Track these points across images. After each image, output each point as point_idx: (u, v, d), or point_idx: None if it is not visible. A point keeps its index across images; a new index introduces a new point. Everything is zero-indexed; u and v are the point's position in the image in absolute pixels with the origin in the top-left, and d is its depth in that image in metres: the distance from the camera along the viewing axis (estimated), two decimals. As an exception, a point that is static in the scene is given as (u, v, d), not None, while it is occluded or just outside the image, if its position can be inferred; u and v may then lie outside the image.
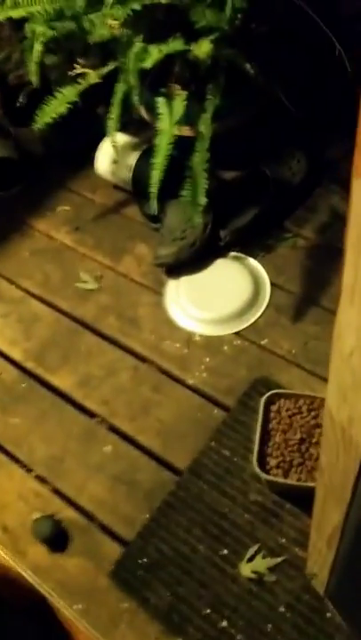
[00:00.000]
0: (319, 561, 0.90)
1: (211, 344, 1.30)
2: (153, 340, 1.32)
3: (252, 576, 1.00)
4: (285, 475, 1.04)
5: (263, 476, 1.03)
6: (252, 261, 1.41)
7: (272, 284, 1.37)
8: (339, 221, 1.45)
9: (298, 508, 1.06)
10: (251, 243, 1.43)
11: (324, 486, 0.72)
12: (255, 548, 1.03)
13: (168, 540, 1.06)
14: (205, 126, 1.29)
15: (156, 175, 1.23)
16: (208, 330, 1.32)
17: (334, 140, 1.58)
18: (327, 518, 0.75)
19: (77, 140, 1.61)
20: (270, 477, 1.03)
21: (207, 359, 1.28)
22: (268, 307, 1.34)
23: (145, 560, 1.04)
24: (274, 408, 1.10)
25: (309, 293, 1.34)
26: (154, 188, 1.24)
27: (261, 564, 1.01)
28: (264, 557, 1.02)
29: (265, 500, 1.08)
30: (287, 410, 1.10)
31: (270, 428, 1.09)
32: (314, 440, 1.06)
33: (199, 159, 1.29)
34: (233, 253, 1.43)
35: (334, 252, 1.39)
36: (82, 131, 1.56)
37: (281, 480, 1.03)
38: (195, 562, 1.03)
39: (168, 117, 1.23)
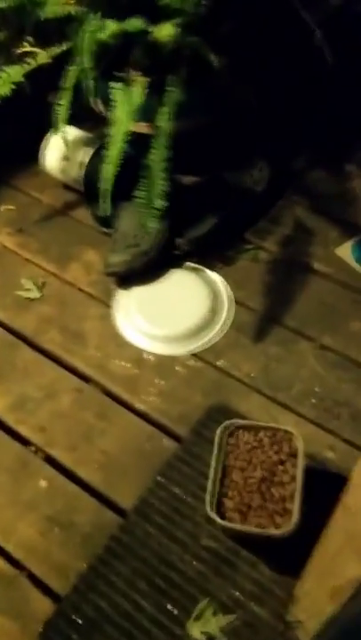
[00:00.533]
0: (311, 610, 0.78)
1: (163, 364, 1.17)
2: (99, 358, 1.19)
3: (202, 638, 0.87)
4: (243, 519, 0.92)
5: (218, 520, 0.91)
6: (210, 274, 1.30)
7: (232, 300, 1.25)
8: (302, 234, 1.34)
9: (255, 556, 0.94)
10: (209, 253, 1.32)
11: (344, 531, 0.60)
12: (205, 602, 0.91)
13: (108, 595, 0.92)
14: (165, 121, 1.16)
15: (109, 170, 1.09)
16: (161, 348, 1.19)
17: (300, 150, 1.48)
18: (338, 568, 0.63)
19: (26, 133, 1.46)
20: (226, 523, 0.91)
21: (158, 381, 1.15)
22: (226, 324, 1.22)
23: (79, 620, 0.90)
24: (231, 441, 0.98)
25: (271, 311, 1.23)
26: (106, 185, 1.10)
27: (212, 622, 0.88)
28: (215, 615, 0.89)
29: (218, 547, 0.95)
30: (246, 443, 0.98)
31: (227, 464, 0.96)
32: (276, 479, 0.95)
33: (157, 157, 1.16)
34: (190, 264, 1.31)
35: (298, 266, 1.29)
36: (31, 122, 1.41)
37: (238, 526, 0.91)
38: (137, 621, 0.89)
39: (124, 105, 1.10)
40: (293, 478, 0.94)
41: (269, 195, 1.39)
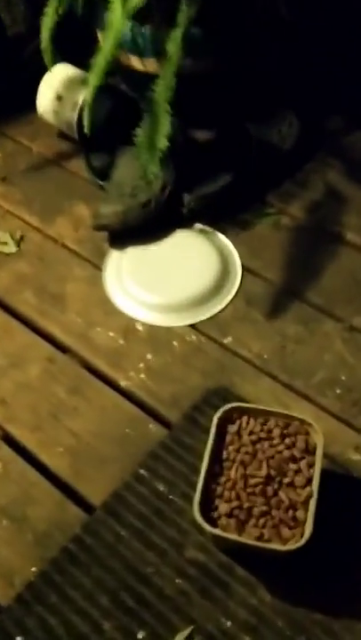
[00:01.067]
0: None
1: (156, 337, 0.97)
2: (80, 325, 0.99)
3: None
4: (240, 528, 0.71)
5: (207, 528, 0.70)
6: (221, 238, 1.10)
7: (244, 269, 1.05)
8: (334, 201, 1.14)
9: (254, 577, 0.73)
10: (223, 215, 1.12)
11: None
12: (186, 632, 0.70)
13: (59, 610, 0.72)
14: (175, 46, 0.97)
15: (92, 81, 0.91)
16: (155, 318, 0.99)
17: (337, 109, 1.28)
18: None
19: (20, 74, 1.29)
20: (218, 532, 0.70)
21: (149, 356, 0.95)
22: (236, 296, 1.02)
23: (21, 638, 0.70)
24: (232, 429, 0.78)
25: (292, 284, 1.03)
26: (89, 96, 0.92)
27: (193, 659, 0.68)
28: (198, 649, 0.69)
29: (208, 561, 0.75)
30: (251, 433, 0.77)
31: (225, 458, 0.76)
32: (286, 480, 0.74)
33: (163, 88, 0.97)
34: (198, 226, 1.11)
35: (327, 236, 1.09)
36: (27, 63, 1.24)
37: (233, 537, 0.70)
38: (93, 650, 0.69)
39: (120, 6, 0.92)
40: (309, 481, 0.73)
41: (298, 155, 1.20)
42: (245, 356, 0.95)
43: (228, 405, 0.78)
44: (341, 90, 1.27)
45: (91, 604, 0.72)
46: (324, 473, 0.74)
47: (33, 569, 0.75)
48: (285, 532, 0.71)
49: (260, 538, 0.70)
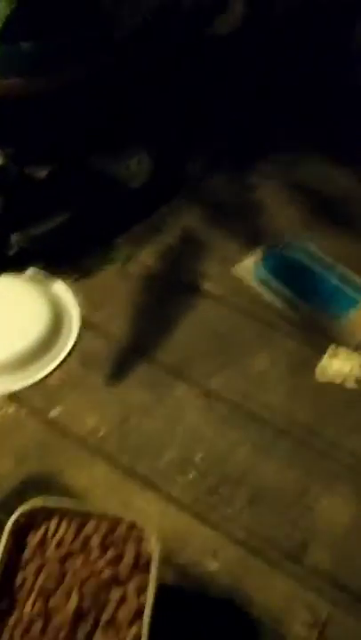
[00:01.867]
0: None
1: None
2: None
3: None
4: None
5: None
6: (55, 286, 0.90)
7: (82, 324, 0.86)
8: (190, 247, 0.98)
9: None
10: (58, 259, 0.92)
11: None
12: None
13: None
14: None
15: None
16: None
17: (195, 154, 1.14)
18: None
19: None
20: None
21: None
22: (70, 356, 0.82)
23: None
24: (34, 539, 0.55)
25: (139, 341, 0.84)
26: None
27: None
28: None
29: None
30: (59, 544, 0.54)
31: (18, 585, 0.52)
32: (106, 615, 0.51)
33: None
34: (29, 272, 0.91)
35: (181, 286, 0.92)
36: None
37: None
38: None
39: None
40: (139, 614, 0.51)
41: (152, 197, 1.04)
42: (77, 433, 0.74)
43: (26, 507, 0.55)
44: (201, 138, 1.14)
45: None
46: (167, 595, 0.53)
47: None
48: None
49: None
